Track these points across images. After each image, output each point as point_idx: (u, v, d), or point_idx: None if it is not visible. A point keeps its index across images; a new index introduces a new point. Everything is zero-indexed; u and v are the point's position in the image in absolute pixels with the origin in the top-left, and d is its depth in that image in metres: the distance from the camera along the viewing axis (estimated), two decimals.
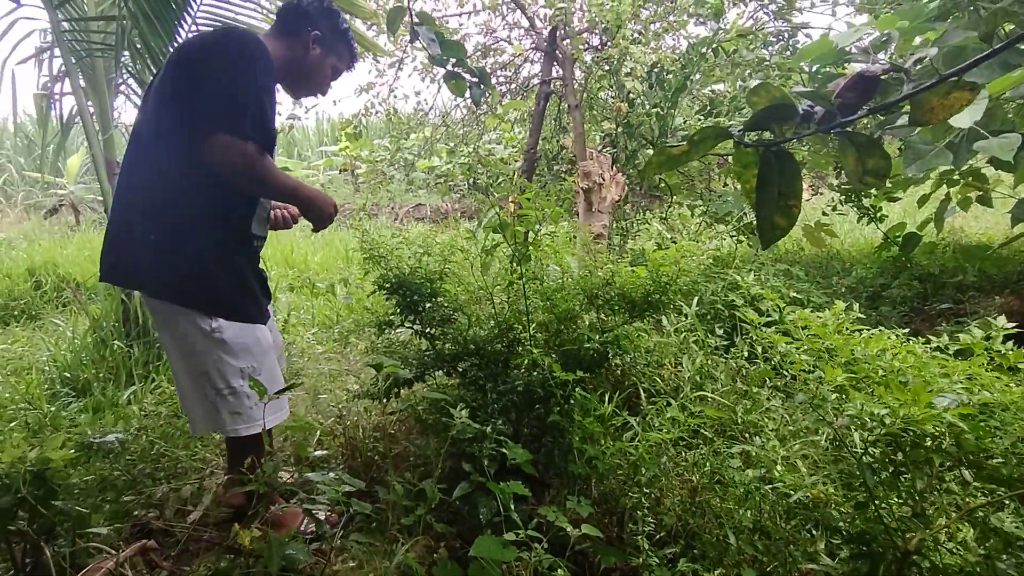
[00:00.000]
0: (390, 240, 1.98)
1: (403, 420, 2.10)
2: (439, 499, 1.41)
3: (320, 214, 1.53)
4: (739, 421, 1.86)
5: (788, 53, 4.15)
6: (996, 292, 3.26)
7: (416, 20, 1.69)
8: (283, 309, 3.96)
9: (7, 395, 2.57)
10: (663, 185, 4.51)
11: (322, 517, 1.59)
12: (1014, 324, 1.44)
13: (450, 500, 1.45)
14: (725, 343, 2.35)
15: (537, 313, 1.88)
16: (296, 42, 1.56)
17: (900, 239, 3.55)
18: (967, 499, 1.24)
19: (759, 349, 2.01)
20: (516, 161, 4.59)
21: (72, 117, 3.07)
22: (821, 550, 1.35)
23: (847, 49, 2.80)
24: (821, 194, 5.08)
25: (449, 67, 1.77)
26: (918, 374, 1.33)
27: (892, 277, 3.65)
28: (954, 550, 1.21)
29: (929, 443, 1.16)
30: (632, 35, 3.93)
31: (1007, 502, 1.19)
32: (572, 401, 1.66)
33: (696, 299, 2.62)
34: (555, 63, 4.10)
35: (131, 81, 3.07)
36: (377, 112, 4.95)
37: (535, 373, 1.69)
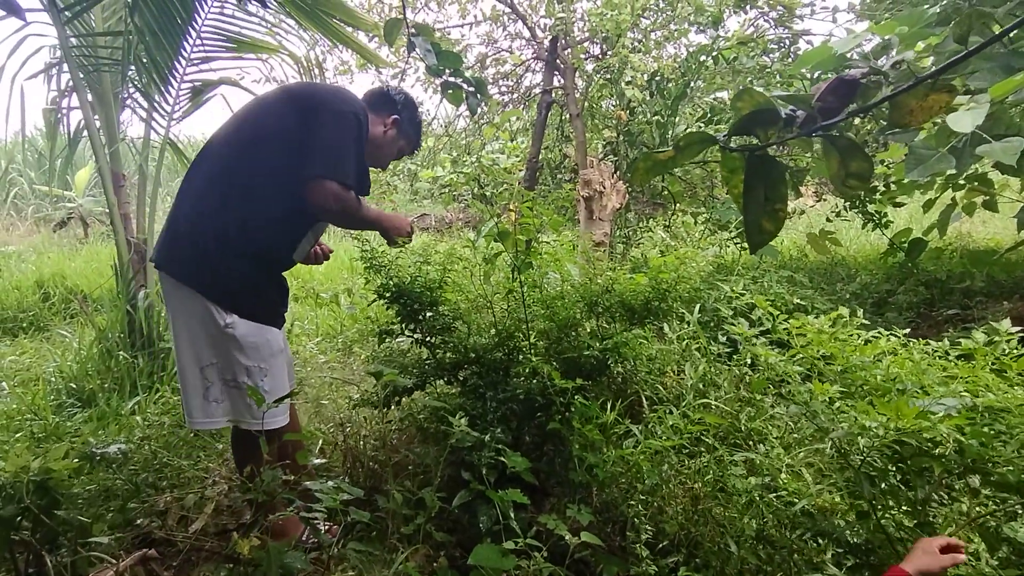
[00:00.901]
0: (391, 249, 1.98)
1: (403, 428, 2.10)
2: (439, 507, 1.41)
3: (398, 234, 1.76)
4: (742, 428, 1.85)
5: (789, 60, 4.16)
6: (1004, 297, 3.22)
7: (413, 31, 1.71)
8: (287, 319, 3.97)
9: (14, 406, 2.59)
10: (666, 193, 4.50)
11: (323, 529, 1.58)
12: (1020, 329, 1.43)
13: (450, 508, 1.44)
14: (728, 350, 2.33)
15: (537, 321, 1.88)
16: (378, 120, 1.74)
17: (906, 244, 3.52)
18: (977, 508, 1.22)
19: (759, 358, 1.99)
20: (520, 171, 4.60)
21: (80, 131, 3.11)
22: (828, 560, 1.32)
23: (847, 55, 2.80)
24: (825, 200, 5.05)
25: (446, 77, 1.79)
26: (917, 380, 1.32)
27: (898, 283, 3.60)
28: (966, 560, 1.19)
29: (931, 451, 1.14)
30: (632, 44, 3.95)
31: (1019, 510, 1.16)
32: (572, 409, 1.65)
33: (698, 306, 2.61)
34: (556, 72, 4.13)
35: (137, 95, 3.11)
36: None
37: (535, 381, 1.68)
